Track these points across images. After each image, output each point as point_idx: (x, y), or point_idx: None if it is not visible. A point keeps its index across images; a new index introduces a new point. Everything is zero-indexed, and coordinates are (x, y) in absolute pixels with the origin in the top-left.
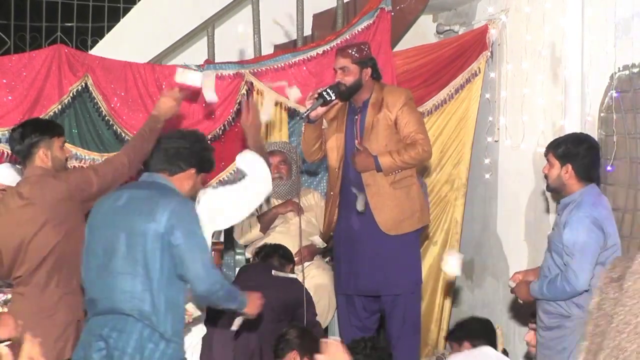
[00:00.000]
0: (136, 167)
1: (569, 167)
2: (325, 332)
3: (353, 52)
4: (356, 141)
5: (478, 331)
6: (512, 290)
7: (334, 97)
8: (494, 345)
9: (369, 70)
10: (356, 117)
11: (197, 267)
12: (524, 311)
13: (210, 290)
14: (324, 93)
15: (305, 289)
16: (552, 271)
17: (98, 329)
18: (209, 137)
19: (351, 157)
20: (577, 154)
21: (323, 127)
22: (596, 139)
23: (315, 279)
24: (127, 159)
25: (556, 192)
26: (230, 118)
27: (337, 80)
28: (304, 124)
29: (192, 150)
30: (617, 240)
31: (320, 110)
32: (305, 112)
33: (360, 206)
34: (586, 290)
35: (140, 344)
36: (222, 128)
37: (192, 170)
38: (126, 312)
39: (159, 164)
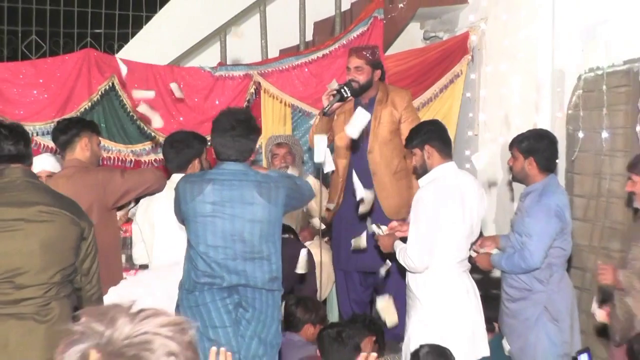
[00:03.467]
0: (158, 190)
1: (532, 160)
2: (324, 304)
3: (367, 54)
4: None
5: None
6: (473, 259)
7: (349, 94)
8: None
9: (379, 72)
10: None
11: None
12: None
13: None
14: (342, 90)
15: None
16: (514, 248)
17: None
18: None
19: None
20: (538, 148)
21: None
22: (565, 134)
23: (315, 256)
24: (155, 179)
25: (519, 181)
26: None
27: (350, 79)
28: (319, 116)
29: None
30: (571, 225)
31: (336, 105)
32: (327, 107)
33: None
34: (538, 268)
35: None
36: None
37: None
38: None
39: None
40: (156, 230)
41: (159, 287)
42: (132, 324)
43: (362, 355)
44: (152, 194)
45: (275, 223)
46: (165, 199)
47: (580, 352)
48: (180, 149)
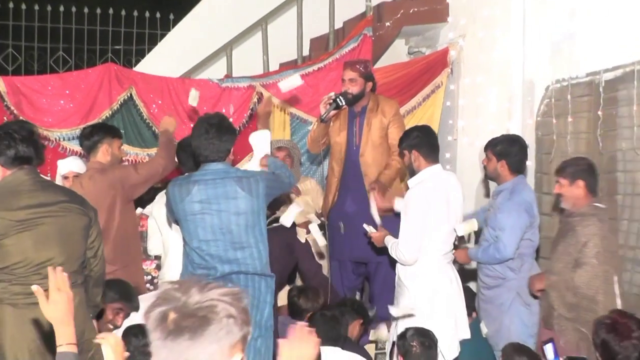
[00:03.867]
0: (170, 168)
1: (504, 162)
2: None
3: (361, 68)
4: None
5: None
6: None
7: (344, 103)
8: None
9: (370, 84)
10: (356, 119)
11: None
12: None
13: None
14: (338, 100)
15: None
16: (489, 242)
17: None
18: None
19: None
20: (510, 152)
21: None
22: (534, 139)
23: (313, 247)
24: (164, 162)
25: (492, 180)
26: (245, 121)
27: (344, 89)
28: (316, 122)
29: None
30: (539, 219)
31: (332, 112)
32: (324, 114)
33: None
34: (511, 258)
35: None
36: (238, 129)
37: None
38: None
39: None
40: (169, 222)
41: None
42: (201, 293)
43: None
44: (167, 175)
45: (259, 213)
46: None
47: (545, 343)
48: (190, 153)
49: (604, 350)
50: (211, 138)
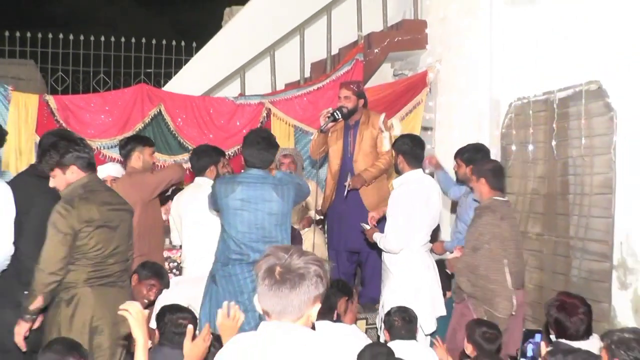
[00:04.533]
0: (177, 180)
1: (471, 167)
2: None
3: (354, 87)
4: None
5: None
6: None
7: (340, 117)
8: None
9: (362, 101)
10: (350, 131)
11: None
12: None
13: None
14: (335, 114)
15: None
16: (462, 233)
17: None
18: (240, 145)
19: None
20: (476, 158)
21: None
22: (500, 147)
23: (310, 240)
24: (172, 174)
25: (462, 183)
26: None
27: (340, 105)
28: (317, 133)
29: None
30: None
31: (330, 124)
32: (323, 126)
33: None
34: None
35: None
36: None
37: None
38: None
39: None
40: (183, 219)
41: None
42: (300, 257)
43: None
44: (176, 184)
45: (287, 214)
46: (189, 196)
47: (527, 339)
48: (200, 157)
49: (557, 327)
50: (261, 149)
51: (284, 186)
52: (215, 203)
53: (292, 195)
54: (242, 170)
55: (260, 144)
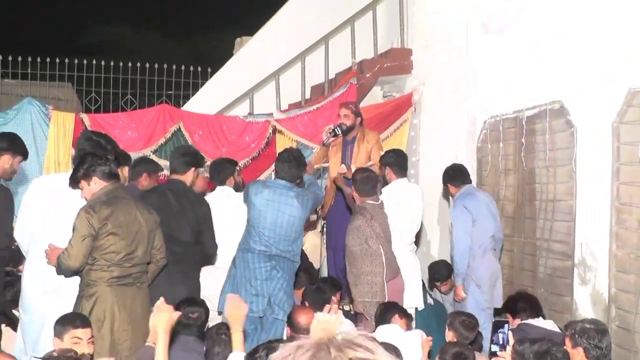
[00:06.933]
0: None
1: (450, 185)
2: (317, 272)
3: (352, 107)
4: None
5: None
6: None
7: (340, 133)
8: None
9: (359, 119)
10: (348, 145)
11: None
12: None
13: None
14: (336, 130)
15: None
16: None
17: None
18: (249, 158)
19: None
20: (452, 176)
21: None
22: (476, 159)
23: (312, 240)
24: None
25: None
26: (262, 146)
27: (340, 122)
28: (319, 147)
29: None
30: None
31: (331, 139)
32: (326, 140)
33: None
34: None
35: None
36: (257, 152)
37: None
38: None
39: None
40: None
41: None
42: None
43: (327, 307)
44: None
45: (303, 218)
46: (212, 202)
47: (497, 328)
48: (220, 171)
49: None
50: (292, 167)
51: (304, 196)
52: (247, 199)
53: (311, 204)
54: (266, 179)
55: (292, 162)
